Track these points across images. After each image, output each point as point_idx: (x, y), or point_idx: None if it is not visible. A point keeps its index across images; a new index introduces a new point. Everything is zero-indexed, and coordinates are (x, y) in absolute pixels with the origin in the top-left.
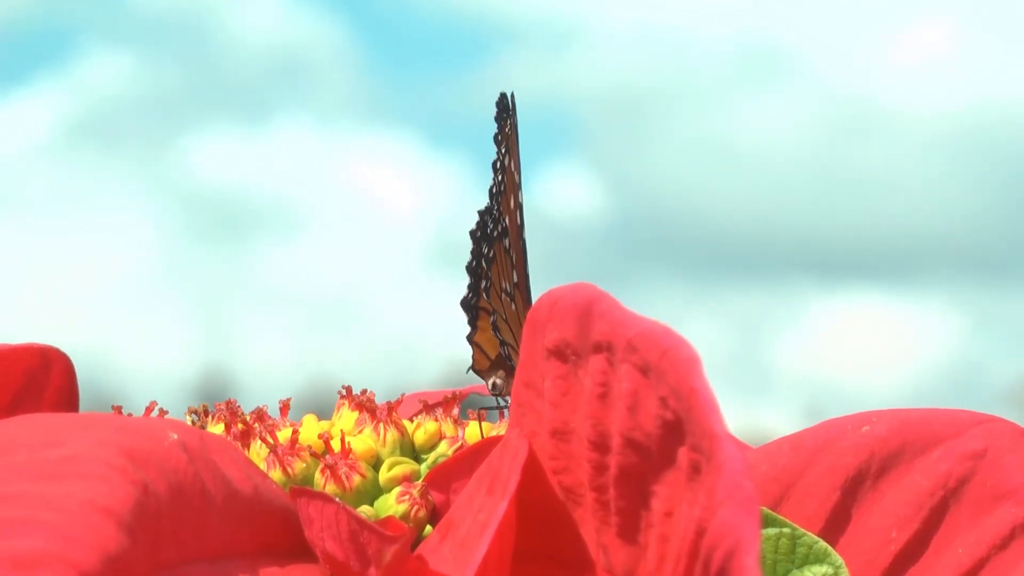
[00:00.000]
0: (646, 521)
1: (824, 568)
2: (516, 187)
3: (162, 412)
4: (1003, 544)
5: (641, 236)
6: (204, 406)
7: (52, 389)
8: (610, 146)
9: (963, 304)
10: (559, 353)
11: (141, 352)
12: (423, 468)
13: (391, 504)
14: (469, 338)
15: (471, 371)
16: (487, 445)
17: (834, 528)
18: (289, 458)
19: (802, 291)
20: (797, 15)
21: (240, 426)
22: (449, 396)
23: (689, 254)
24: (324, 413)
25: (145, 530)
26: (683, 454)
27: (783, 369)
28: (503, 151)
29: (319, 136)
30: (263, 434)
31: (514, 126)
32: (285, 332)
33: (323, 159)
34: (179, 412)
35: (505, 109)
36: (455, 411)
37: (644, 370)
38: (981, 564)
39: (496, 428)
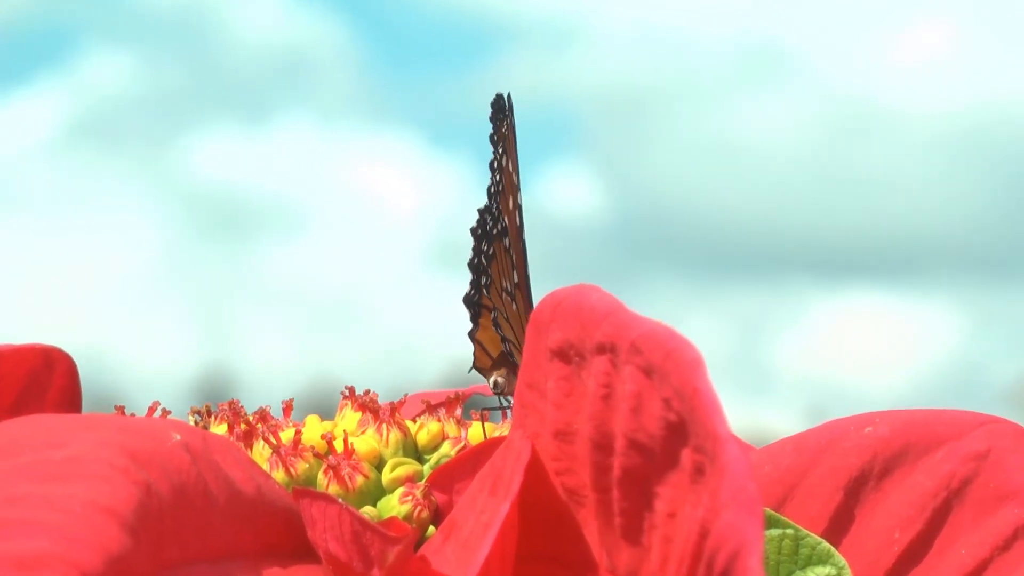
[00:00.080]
0: (649, 522)
1: (827, 569)
2: (515, 188)
3: (165, 412)
4: (1006, 545)
5: (642, 236)
6: (207, 406)
7: (55, 390)
8: (611, 146)
9: (964, 304)
10: (562, 354)
11: (142, 351)
12: (426, 469)
13: (394, 505)
14: (471, 335)
15: (473, 369)
16: (490, 446)
17: (837, 529)
18: (292, 459)
19: (803, 291)
20: (798, 15)
21: (243, 426)
22: (452, 396)
23: (690, 253)
24: (325, 413)
25: (148, 531)
26: (686, 455)
27: (784, 368)
28: (500, 151)
29: (320, 135)
30: (266, 434)
31: (511, 126)
32: (286, 331)
33: (324, 158)
34: (181, 412)
35: (501, 110)
36: (458, 412)
37: (648, 371)
38: (984, 565)
39: (499, 429)
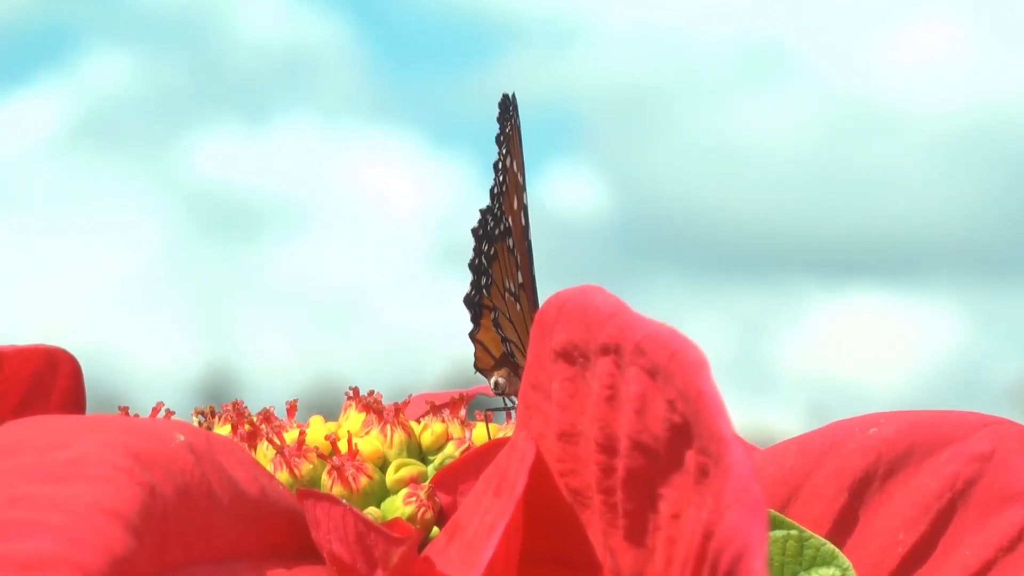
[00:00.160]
0: (653, 524)
1: (831, 570)
2: (520, 188)
3: (169, 413)
4: (1011, 546)
5: (644, 235)
6: (211, 407)
7: (59, 391)
8: (613, 145)
9: (965, 303)
10: (566, 355)
11: (144, 351)
12: (430, 470)
13: (398, 506)
14: (471, 335)
15: (476, 371)
16: (494, 447)
17: (841, 530)
18: (296, 459)
19: (805, 290)
20: (799, 15)
21: (247, 427)
22: (456, 397)
23: (692, 253)
24: (328, 412)
25: (151, 532)
26: (691, 457)
27: (785, 368)
28: (504, 152)
29: (322, 135)
30: (270, 435)
31: (516, 127)
32: (288, 331)
33: (326, 158)
34: (183, 412)
35: (507, 110)
36: (462, 412)
37: (652, 373)
38: (989, 566)
39: (503, 430)
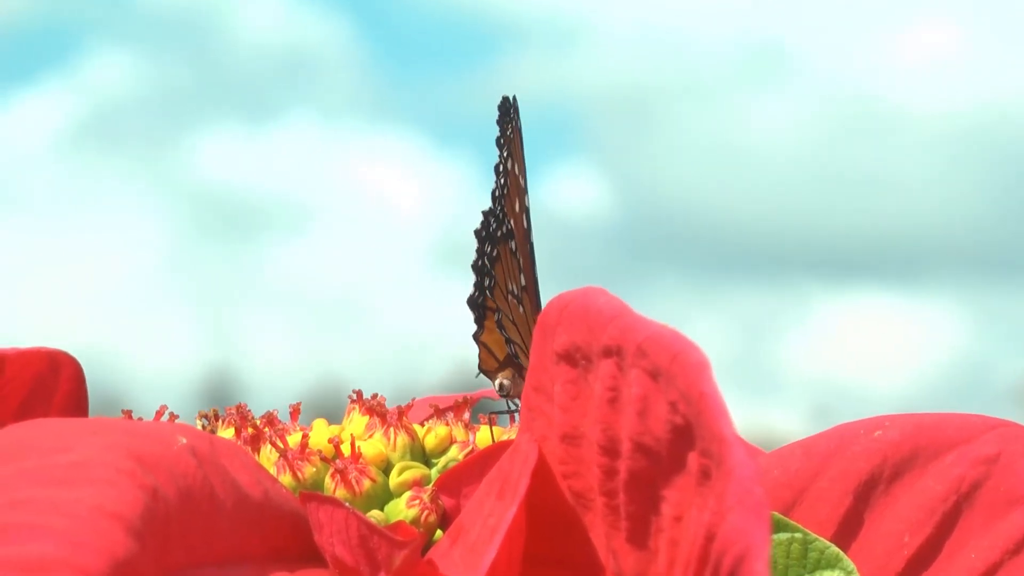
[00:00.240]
0: (656, 526)
1: (836, 573)
2: (521, 191)
3: (172, 416)
4: (1016, 549)
5: (647, 235)
6: (215, 410)
7: (61, 393)
8: (615, 145)
9: (968, 304)
10: (569, 357)
11: (146, 352)
12: (433, 473)
13: (401, 509)
14: (475, 337)
15: (480, 373)
16: (497, 450)
17: (846, 533)
18: (299, 462)
19: (808, 291)
20: (801, 14)
21: (250, 430)
22: (460, 400)
23: (694, 254)
24: (329, 414)
25: (154, 535)
26: (693, 459)
27: (789, 369)
28: (505, 154)
29: (324, 135)
30: (273, 438)
31: (517, 129)
32: (290, 332)
33: (328, 158)
34: (185, 413)
35: (507, 112)
36: (466, 415)
37: (654, 375)
38: (994, 569)
39: (507, 432)
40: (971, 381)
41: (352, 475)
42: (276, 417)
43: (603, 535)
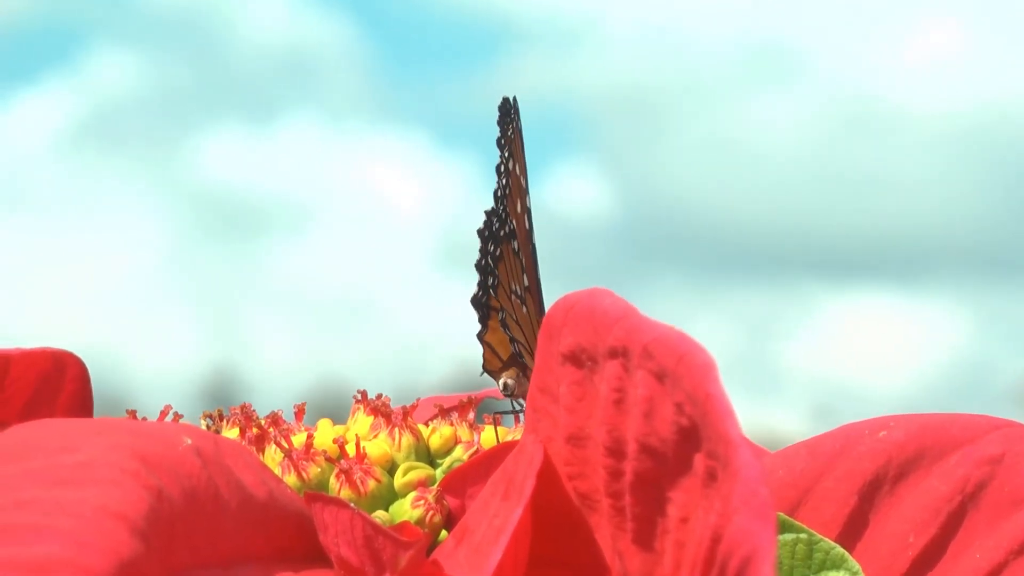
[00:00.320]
0: (662, 527)
1: (841, 574)
2: (523, 191)
3: (177, 416)
4: (1021, 549)
5: (650, 235)
6: (219, 410)
7: (66, 394)
8: (617, 146)
9: (970, 303)
10: (574, 359)
11: (148, 352)
12: (438, 473)
13: (406, 509)
14: (479, 337)
15: (484, 372)
16: (502, 450)
17: (851, 533)
18: (304, 463)
19: (809, 291)
20: (805, 14)
21: (255, 430)
22: (464, 400)
23: (695, 253)
24: (332, 414)
25: (159, 535)
26: (699, 460)
27: (791, 369)
28: (506, 155)
29: (327, 135)
30: (278, 438)
31: (517, 130)
32: (293, 332)
33: (331, 158)
34: (188, 413)
35: (508, 113)
36: (471, 415)
37: (660, 376)
38: (999, 569)
39: (511, 433)
40: (972, 381)
41: (357, 475)
42: (281, 417)
43: (609, 536)
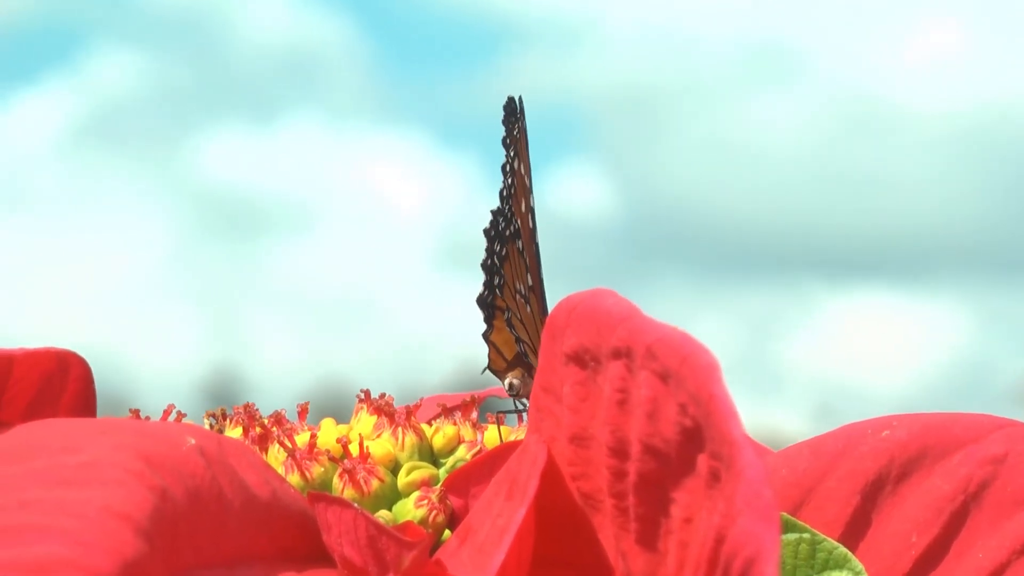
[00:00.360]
0: (665, 528)
1: (844, 574)
2: (527, 191)
3: (180, 416)
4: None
5: (652, 234)
6: (222, 409)
7: (69, 394)
8: (621, 144)
9: (971, 303)
10: (578, 359)
11: (149, 351)
12: (442, 473)
13: (409, 509)
14: (485, 336)
15: (487, 371)
16: (506, 450)
17: (854, 533)
18: (307, 462)
19: (810, 290)
20: (806, 14)
21: (258, 430)
22: (468, 400)
23: (697, 253)
24: (333, 413)
25: (162, 535)
26: (702, 461)
27: (793, 368)
28: (511, 155)
29: (328, 135)
30: (281, 438)
31: (523, 130)
32: (295, 331)
33: (332, 158)
34: (190, 412)
35: (513, 113)
36: (474, 415)
37: (663, 376)
38: (1002, 569)
39: (515, 433)
40: (972, 380)
41: (360, 475)
42: (284, 417)
43: (612, 537)
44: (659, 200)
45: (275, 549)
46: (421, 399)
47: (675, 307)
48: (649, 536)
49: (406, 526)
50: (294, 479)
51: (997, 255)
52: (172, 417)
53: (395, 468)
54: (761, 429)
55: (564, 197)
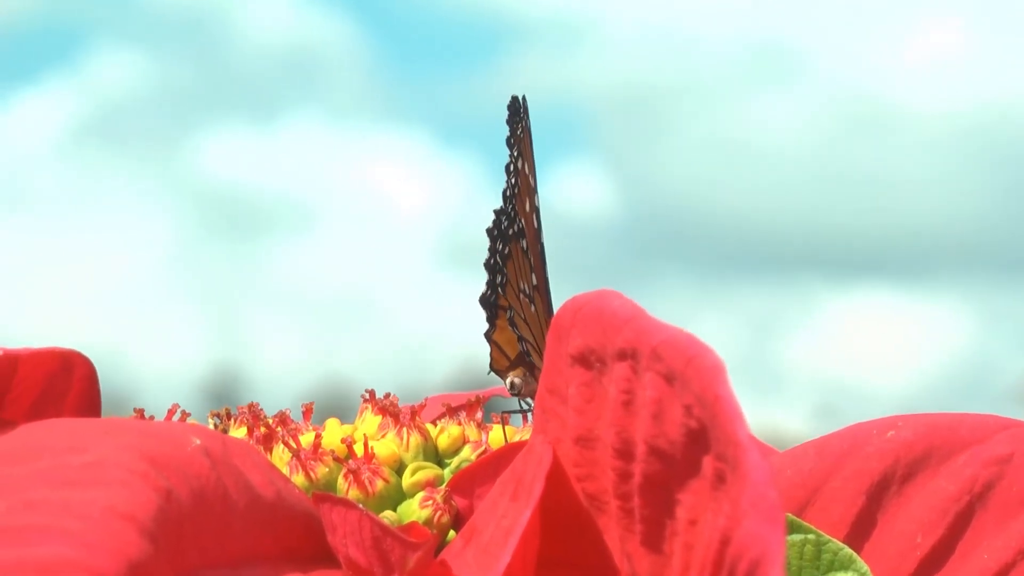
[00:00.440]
0: (670, 529)
1: (849, 575)
2: (531, 191)
3: (184, 415)
4: None
5: (653, 234)
6: (227, 409)
7: (74, 393)
8: (622, 144)
9: (972, 302)
10: (583, 360)
11: (152, 350)
12: (446, 473)
13: (414, 509)
14: (487, 335)
15: (491, 371)
16: (511, 450)
17: (859, 534)
18: (312, 463)
19: (813, 289)
20: (806, 14)
21: (263, 430)
22: (472, 399)
23: (701, 252)
24: (334, 412)
25: (167, 536)
26: (708, 462)
27: (795, 367)
28: (515, 154)
29: (329, 134)
30: (286, 438)
31: (527, 129)
32: (297, 330)
33: (333, 157)
34: (193, 411)
35: (517, 112)
36: (478, 415)
37: (669, 378)
38: (1007, 569)
39: (520, 433)
40: (974, 380)
41: (365, 475)
42: (289, 417)
43: (617, 538)
44: (660, 199)
45: (280, 550)
46: (426, 399)
47: (676, 306)
48: (654, 538)
49: (411, 527)
50: (299, 479)
51: (998, 255)
52: (176, 417)
53: (400, 468)
54: (762, 428)
55: (565, 196)
